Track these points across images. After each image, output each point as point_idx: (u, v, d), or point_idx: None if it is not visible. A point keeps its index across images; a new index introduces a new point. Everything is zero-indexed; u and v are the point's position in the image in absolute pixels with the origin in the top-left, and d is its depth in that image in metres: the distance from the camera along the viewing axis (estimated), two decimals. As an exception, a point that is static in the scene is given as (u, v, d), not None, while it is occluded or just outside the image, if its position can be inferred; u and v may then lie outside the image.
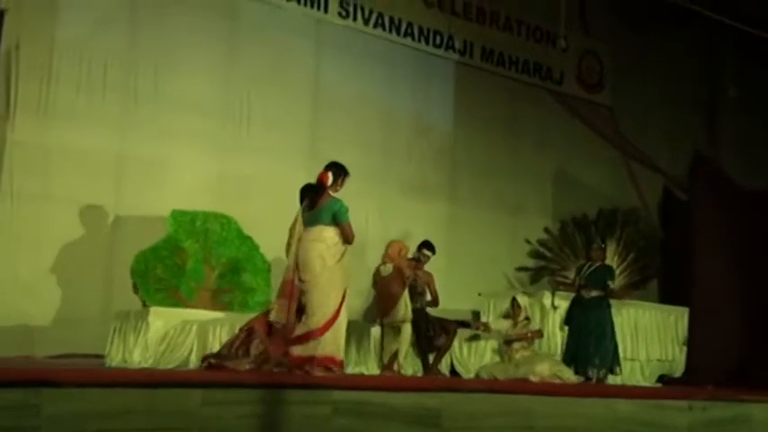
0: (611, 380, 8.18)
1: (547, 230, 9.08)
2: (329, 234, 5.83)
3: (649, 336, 8.95)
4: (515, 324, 7.66)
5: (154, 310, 6.77)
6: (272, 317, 5.94)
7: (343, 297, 5.81)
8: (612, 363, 7.76)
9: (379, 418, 4.44)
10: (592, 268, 7.96)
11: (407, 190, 9.61)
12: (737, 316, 8.22)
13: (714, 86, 12.36)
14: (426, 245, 7.60)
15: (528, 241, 9.20)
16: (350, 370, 7.20)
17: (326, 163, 6.07)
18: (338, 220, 5.83)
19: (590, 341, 7.64)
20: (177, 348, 6.57)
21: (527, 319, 7.71)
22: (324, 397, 4.36)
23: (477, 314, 8.79)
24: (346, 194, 6.78)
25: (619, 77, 11.71)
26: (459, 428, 4.70)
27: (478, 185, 10.24)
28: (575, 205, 10.61)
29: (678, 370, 8.95)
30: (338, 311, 5.76)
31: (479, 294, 8.77)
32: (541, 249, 8.95)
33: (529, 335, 7.58)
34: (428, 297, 7.54)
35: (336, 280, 5.79)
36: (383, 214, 9.20)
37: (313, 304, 5.74)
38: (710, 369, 7.84)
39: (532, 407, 5.06)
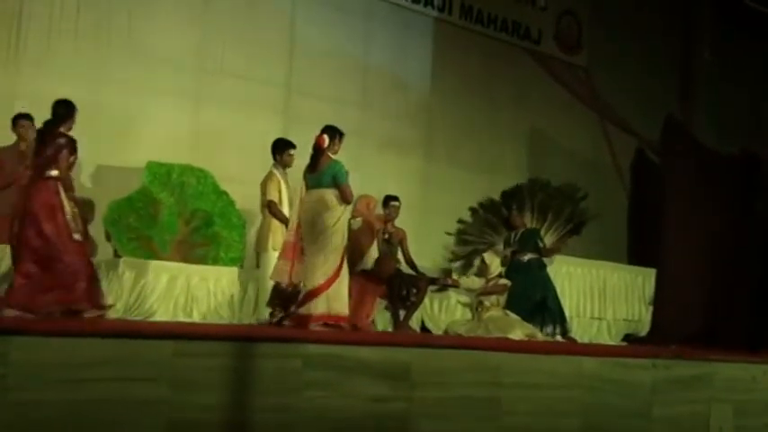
0: (579, 338, 8.35)
1: (460, 221, 9.10)
2: (330, 197, 6.03)
3: (616, 296, 9.12)
4: (488, 282, 7.75)
5: (125, 260, 6.75)
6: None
7: (343, 257, 6.03)
8: (561, 321, 7.91)
9: (349, 372, 4.50)
10: (518, 234, 8.15)
11: (383, 146, 9.58)
12: (703, 279, 8.37)
13: (690, 50, 12.38)
14: (390, 197, 7.64)
15: (448, 233, 9.18)
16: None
17: (302, 118, 6.11)
18: (338, 181, 6.02)
19: (534, 302, 7.78)
20: (148, 299, 6.57)
21: (500, 276, 7.80)
22: (294, 350, 4.40)
23: (448, 272, 8.87)
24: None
25: (596, 39, 11.69)
26: (427, 383, 4.78)
27: (454, 143, 10.24)
28: (550, 165, 10.65)
29: (644, 329, 9.13)
30: (338, 271, 5.97)
31: (452, 253, 8.84)
32: (464, 237, 9.01)
33: (493, 288, 7.65)
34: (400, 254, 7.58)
35: (336, 241, 6.00)
36: (358, 169, 9.15)
37: (314, 265, 5.96)
38: (675, 329, 8.00)
39: (500, 363, 5.15)
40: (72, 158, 5.58)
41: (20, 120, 6.57)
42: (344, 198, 6.06)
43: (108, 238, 7.19)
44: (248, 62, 8.66)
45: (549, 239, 8.49)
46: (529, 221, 8.50)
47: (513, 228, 8.31)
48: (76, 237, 5.41)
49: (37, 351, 3.63)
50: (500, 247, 8.45)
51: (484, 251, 8.36)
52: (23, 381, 3.56)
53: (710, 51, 11.52)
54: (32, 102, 7.39)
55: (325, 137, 6.11)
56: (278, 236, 6.57)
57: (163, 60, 8.06)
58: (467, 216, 9.14)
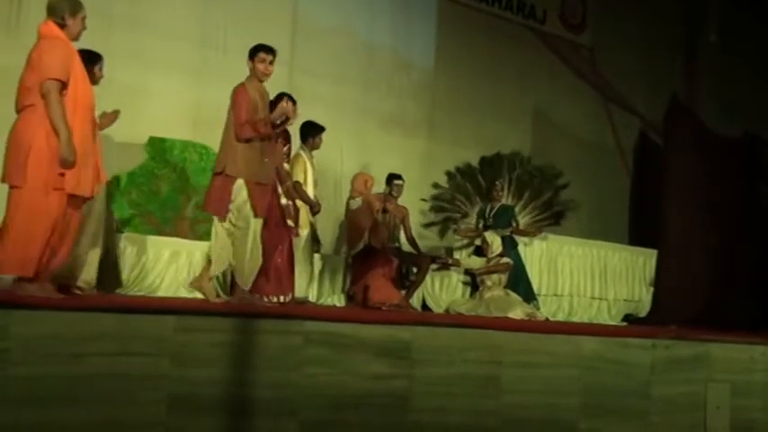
0: (579, 318, 8.36)
1: (436, 185, 8.99)
2: None
3: (617, 276, 9.13)
4: (488, 261, 7.76)
5: (126, 235, 6.75)
6: None
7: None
8: (534, 298, 7.94)
9: (350, 350, 4.52)
10: (494, 210, 8.13)
11: (385, 125, 9.55)
12: (704, 260, 8.38)
13: (695, 30, 12.31)
14: (394, 176, 7.61)
15: (424, 199, 9.08)
16: (322, 301, 7.31)
17: (305, 96, 6.05)
18: None
19: (509, 279, 7.79)
20: (149, 275, 6.58)
21: (501, 255, 7.81)
22: (296, 327, 4.42)
23: (450, 251, 8.87)
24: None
25: (601, 18, 11.62)
26: (428, 361, 4.80)
27: (457, 122, 10.19)
28: (553, 144, 10.62)
29: (644, 310, 9.15)
30: None
31: (454, 231, 8.83)
32: (437, 203, 8.91)
33: (494, 267, 7.66)
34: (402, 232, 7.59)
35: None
36: (360, 148, 9.16)
37: None
38: (675, 310, 8.01)
39: (501, 342, 5.17)
40: (286, 148, 5.67)
41: (264, 52, 5.90)
42: None
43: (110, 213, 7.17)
44: (251, 39, 8.54)
45: (523, 220, 8.45)
46: (505, 196, 8.47)
47: (491, 200, 8.29)
48: (289, 223, 5.69)
49: (39, 325, 3.64)
50: (473, 218, 8.43)
51: (456, 220, 8.41)
52: (26, 355, 3.58)
53: (716, 32, 11.45)
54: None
55: None
56: (302, 215, 6.58)
57: (165, 35, 8.01)
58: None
